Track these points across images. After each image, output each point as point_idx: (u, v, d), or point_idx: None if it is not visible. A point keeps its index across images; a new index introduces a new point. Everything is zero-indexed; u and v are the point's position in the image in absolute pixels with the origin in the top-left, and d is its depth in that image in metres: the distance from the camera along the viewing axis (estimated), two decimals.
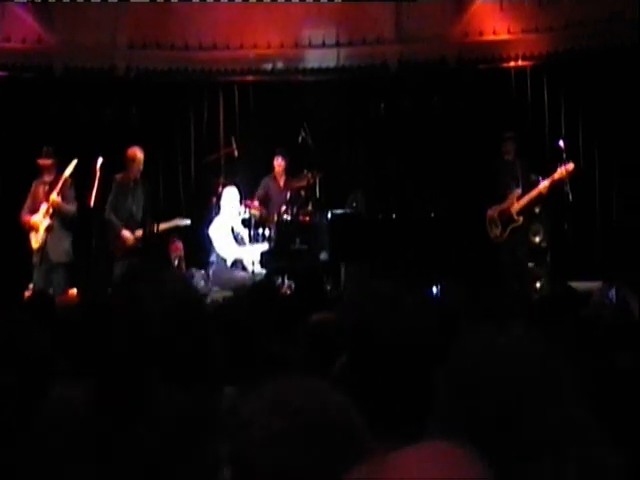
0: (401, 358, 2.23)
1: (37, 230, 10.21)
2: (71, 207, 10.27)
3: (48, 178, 10.32)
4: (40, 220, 10.21)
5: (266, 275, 10.40)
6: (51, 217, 10.21)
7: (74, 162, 10.19)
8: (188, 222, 10.78)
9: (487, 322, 2.16)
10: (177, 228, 10.90)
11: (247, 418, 1.48)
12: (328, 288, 9.77)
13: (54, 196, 10.15)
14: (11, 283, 10.39)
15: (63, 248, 10.28)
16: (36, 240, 10.21)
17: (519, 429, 1.52)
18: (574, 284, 9.88)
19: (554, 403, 1.55)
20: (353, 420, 1.51)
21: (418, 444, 1.33)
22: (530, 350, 1.64)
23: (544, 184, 10.45)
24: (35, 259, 10.25)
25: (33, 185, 10.45)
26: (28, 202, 10.39)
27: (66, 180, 10.19)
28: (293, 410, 1.49)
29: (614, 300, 7.67)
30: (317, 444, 1.46)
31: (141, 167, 10.50)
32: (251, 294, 5.40)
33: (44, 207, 10.21)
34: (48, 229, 10.21)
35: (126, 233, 10.36)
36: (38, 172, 10.42)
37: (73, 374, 2.89)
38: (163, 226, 10.60)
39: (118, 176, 10.48)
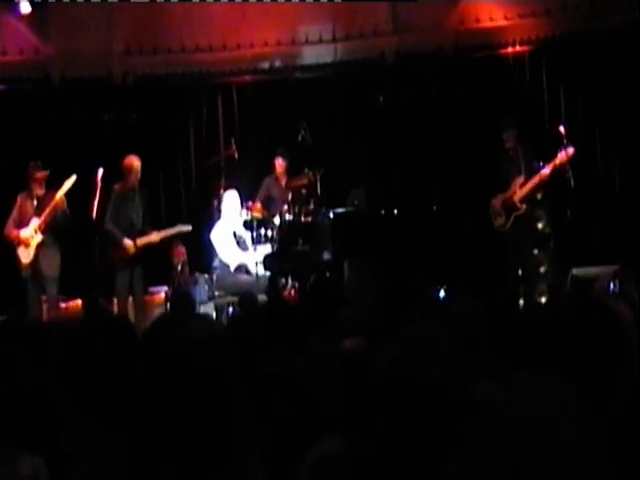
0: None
1: (27, 245, 10.14)
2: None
3: (39, 192, 10.23)
4: (31, 235, 10.13)
5: (270, 278, 10.39)
6: (43, 232, 10.14)
7: (72, 179, 10.09)
8: (190, 228, 10.67)
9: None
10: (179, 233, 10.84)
11: None
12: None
13: (60, 194, 10.04)
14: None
15: (55, 262, 10.22)
16: (26, 255, 10.13)
17: None
18: (578, 270, 9.95)
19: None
20: None
21: None
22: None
23: (546, 170, 10.37)
24: (25, 273, 10.16)
25: (19, 198, 10.32)
26: (14, 215, 10.28)
27: (61, 198, 10.11)
28: None
29: (616, 289, 7.63)
30: None
31: (139, 175, 10.39)
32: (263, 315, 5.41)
33: (35, 222, 10.13)
34: (40, 245, 10.16)
35: (128, 242, 10.28)
36: (25, 185, 10.30)
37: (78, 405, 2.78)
38: (165, 233, 10.56)
39: (117, 186, 10.39)
